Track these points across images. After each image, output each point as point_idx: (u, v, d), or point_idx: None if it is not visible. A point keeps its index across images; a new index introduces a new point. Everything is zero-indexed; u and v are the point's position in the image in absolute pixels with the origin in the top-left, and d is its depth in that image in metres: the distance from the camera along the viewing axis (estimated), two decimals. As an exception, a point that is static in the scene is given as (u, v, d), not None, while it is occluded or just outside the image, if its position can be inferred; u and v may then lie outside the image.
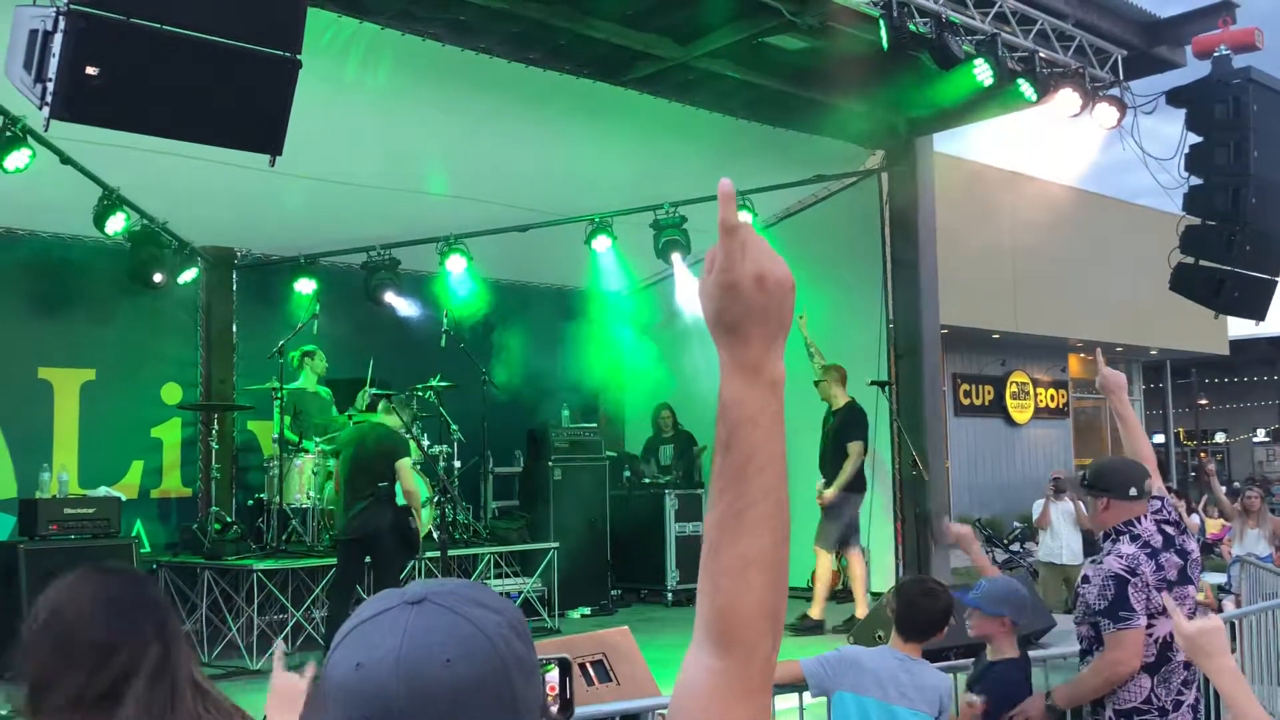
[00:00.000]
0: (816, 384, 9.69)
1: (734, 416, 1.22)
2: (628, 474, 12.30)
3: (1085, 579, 4.15)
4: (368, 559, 8.42)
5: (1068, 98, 8.52)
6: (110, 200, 8.65)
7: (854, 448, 9.45)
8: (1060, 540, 10.49)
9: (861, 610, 9.13)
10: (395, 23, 7.61)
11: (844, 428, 9.53)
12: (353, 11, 7.28)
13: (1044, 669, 5.30)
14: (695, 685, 1.22)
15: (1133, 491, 4.17)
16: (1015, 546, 13.60)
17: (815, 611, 9.25)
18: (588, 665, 5.10)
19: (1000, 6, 8.11)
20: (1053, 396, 23.20)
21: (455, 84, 8.60)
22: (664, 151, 9.91)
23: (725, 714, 1.20)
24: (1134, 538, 4.11)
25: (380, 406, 8.59)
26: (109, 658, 2.17)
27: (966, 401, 21.03)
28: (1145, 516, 4.16)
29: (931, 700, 4.10)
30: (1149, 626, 4.01)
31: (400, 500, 8.27)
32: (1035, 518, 10.80)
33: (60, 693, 2.15)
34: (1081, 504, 10.29)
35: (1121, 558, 4.05)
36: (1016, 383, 22.29)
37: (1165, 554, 4.09)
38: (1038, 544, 11.29)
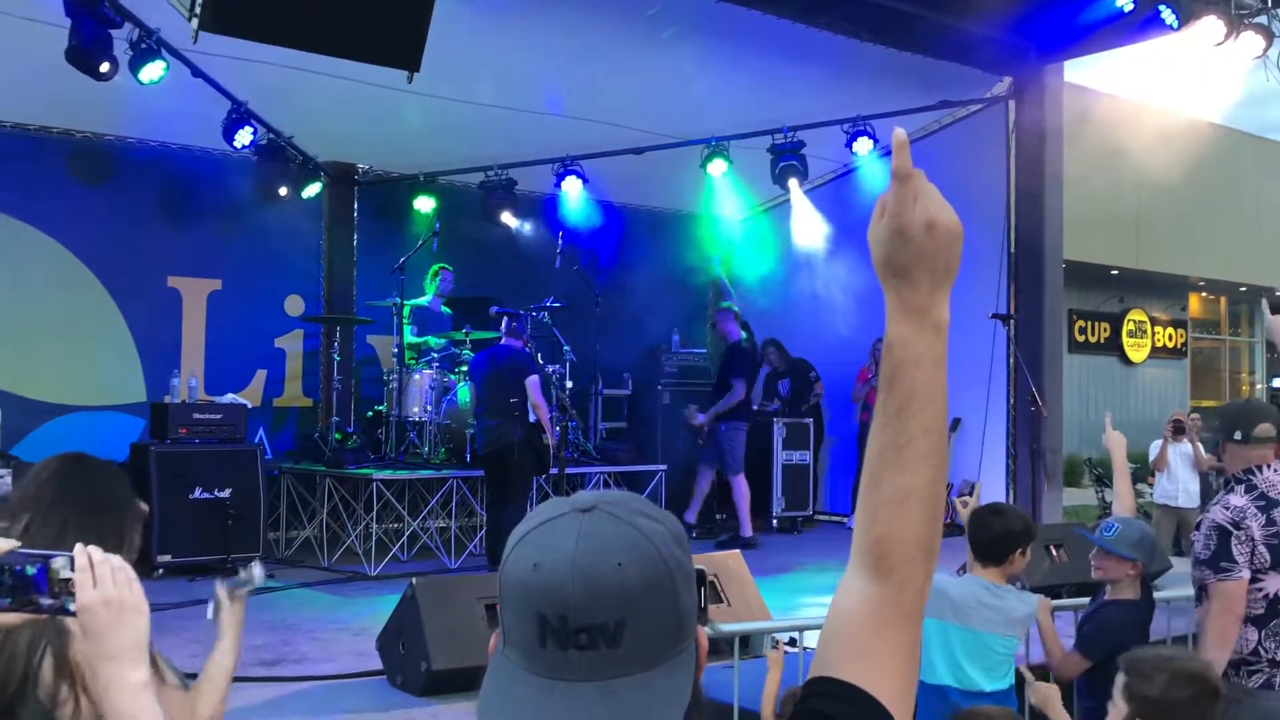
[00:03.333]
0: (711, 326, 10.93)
1: (899, 356, 1.29)
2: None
3: (1198, 526, 4.10)
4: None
5: (1211, 25, 8.16)
6: (239, 114, 8.82)
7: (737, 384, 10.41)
8: (1177, 483, 10.21)
9: (747, 530, 10.20)
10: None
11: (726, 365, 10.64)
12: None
13: (1167, 612, 5.22)
14: (850, 610, 1.28)
15: (1237, 435, 4.06)
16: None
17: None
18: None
19: (1145, -73, 7.78)
20: (1170, 336, 22.62)
21: (574, 3, 8.54)
22: (783, 74, 9.72)
23: (878, 638, 1.26)
24: (1250, 488, 3.99)
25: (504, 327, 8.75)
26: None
27: (1081, 338, 20.59)
28: (1269, 465, 4.01)
29: (1022, 625, 4.12)
30: (1256, 580, 3.92)
31: (532, 417, 8.43)
32: (1152, 459, 10.53)
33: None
34: (1199, 446, 10.05)
35: (1228, 509, 3.96)
36: (1134, 320, 21.76)
37: None
38: (1151, 485, 11.03)
